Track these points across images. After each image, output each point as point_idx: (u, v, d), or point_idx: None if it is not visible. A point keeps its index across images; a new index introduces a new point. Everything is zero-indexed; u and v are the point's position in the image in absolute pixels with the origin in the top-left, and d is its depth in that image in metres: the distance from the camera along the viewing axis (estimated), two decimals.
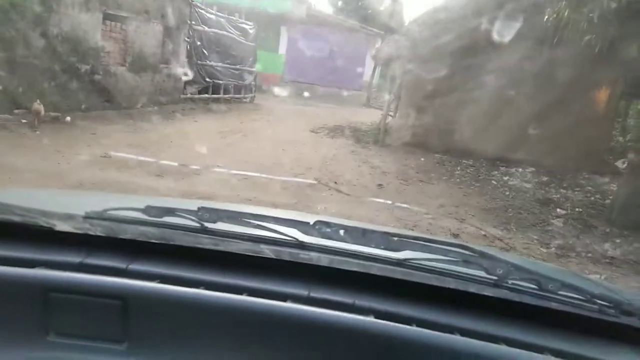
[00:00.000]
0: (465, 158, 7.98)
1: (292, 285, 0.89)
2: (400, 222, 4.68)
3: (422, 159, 8.15)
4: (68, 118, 7.45)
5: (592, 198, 6.57)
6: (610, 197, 6.21)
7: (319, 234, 0.88)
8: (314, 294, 0.87)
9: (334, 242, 0.89)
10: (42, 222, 0.92)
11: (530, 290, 0.85)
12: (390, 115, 10.23)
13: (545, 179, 7.11)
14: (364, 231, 0.88)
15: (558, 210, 5.87)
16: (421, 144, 8.61)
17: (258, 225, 0.88)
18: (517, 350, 0.81)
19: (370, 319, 0.83)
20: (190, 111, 10.66)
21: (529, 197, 6.32)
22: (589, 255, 4.43)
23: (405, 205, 5.31)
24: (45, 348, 0.85)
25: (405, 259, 0.86)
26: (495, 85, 7.43)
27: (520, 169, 7.44)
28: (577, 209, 5.93)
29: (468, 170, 7.60)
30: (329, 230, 0.87)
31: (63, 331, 0.86)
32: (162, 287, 0.85)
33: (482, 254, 0.87)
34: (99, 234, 0.94)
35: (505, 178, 7.17)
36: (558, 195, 6.49)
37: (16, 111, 6.79)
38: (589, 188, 6.94)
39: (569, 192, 6.65)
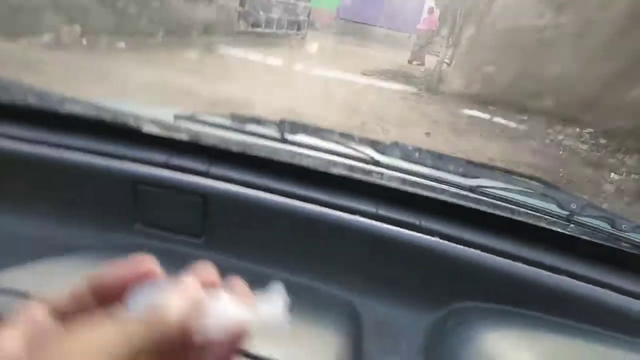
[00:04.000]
0: (521, 113, 7.67)
1: (361, 202, 0.92)
2: None
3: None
4: (122, 44, 7.56)
5: None
6: None
7: (394, 155, 0.90)
8: (381, 212, 0.91)
9: (408, 163, 0.90)
10: (132, 122, 0.98)
11: (601, 228, 0.85)
12: (446, 63, 9.86)
13: (603, 141, 6.78)
14: (440, 156, 0.89)
15: (612, 175, 5.63)
16: (476, 96, 8.31)
17: (336, 141, 0.91)
18: (579, 283, 0.82)
19: (435, 239, 0.86)
20: (242, 44, 10.60)
21: (582, 159, 6.08)
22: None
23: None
24: (132, 235, 0.93)
25: (478, 186, 0.87)
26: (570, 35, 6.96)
27: (577, 129, 7.10)
28: (632, 176, 5.67)
29: (522, 126, 7.33)
30: (404, 151, 0.89)
31: (148, 222, 0.93)
32: (241, 189, 0.90)
33: (558, 189, 0.87)
34: (183, 138, 0.99)
35: (560, 137, 6.88)
36: (614, 160, 6.20)
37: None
38: None
39: (627, 158, 6.33)
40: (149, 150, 0.98)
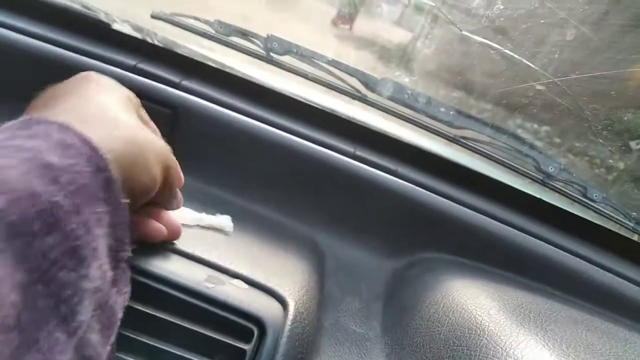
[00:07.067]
0: (484, 101, 7.79)
1: (339, 139, 0.88)
2: None
3: (442, 92, 7.96)
4: None
5: (597, 171, 6.52)
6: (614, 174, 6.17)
7: (383, 92, 0.86)
8: (359, 153, 0.87)
9: (395, 104, 0.86)
10: (102, 17, 0.88)
11: (573, 195, 0.85)
12: (421, 42, 9.83)
13: (558, 140, 7.01)
14: (430, 100, 0.85)
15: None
16: (442, 79, 8.36)
17: (327, 69, 0.85)
18: (546, 246, 0.82)
19: (409, 185, 0.84)
20: None
21: None
22: None
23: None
24: None
25: (462, 137, 0.85)
26: None
27: (535, 125, 7.31)
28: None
29: (484, 115, 7.47)
30: (394, 89, 0.85)
31: None
32: (215, 107, 0.83)
33: (540, 151, 0.86)
34: (156, 42, 0.90)
35: (519, 131, 7.06)
36: (565, 160, 6.44)
37: None
38: (597, 160, 6.85)
39: (577, 159, 6.58)
40: (118, 51, 0.89)
